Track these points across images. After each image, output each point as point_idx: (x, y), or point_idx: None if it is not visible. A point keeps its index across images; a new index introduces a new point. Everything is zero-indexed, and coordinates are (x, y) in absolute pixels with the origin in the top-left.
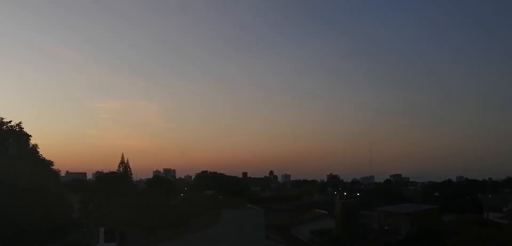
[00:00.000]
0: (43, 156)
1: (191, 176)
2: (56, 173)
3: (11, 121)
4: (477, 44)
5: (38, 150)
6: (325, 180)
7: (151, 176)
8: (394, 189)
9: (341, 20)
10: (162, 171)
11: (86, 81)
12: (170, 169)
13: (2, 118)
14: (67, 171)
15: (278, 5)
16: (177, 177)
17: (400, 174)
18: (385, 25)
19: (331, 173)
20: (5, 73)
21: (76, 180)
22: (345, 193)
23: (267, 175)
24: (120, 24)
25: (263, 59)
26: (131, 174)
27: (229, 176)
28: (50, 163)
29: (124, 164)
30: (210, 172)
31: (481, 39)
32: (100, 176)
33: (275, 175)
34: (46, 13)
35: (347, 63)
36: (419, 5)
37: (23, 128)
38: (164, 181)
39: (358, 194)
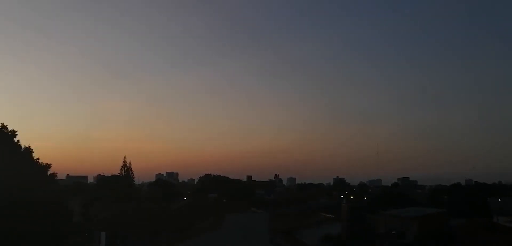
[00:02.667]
0: (38, 159)
1: (194, 179)
2: (52, 175)
3: None
4: (488, 45)
5: (31, 152)
6: (332, 183)
7: (153, 179)
8: (402, 192)
9: (343, 18)
10: (165, 174)
11: (89, 82)
12: (173, 172)
13: None
14: (67, 174)
15: (287, 4)
16: (180, 180)
17: (408, 177)
18: (387, 23)
19: (337, 176)
20: (6, 73)
21: (77, 183)
22: (351, 197)
23: (272, 178)
24: (125, 25)
25: (269, 61)
26: (134, 177)
27: (233, 179)
28: (46, 166)
29: (126, 167)
30: (213, 175)
31: (494, 40)
32: (102, 179)
33: (280, 178)
34: (51, 11)
35: (354, 64)
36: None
37: (7, 127)
38: (167, 184)
39: (365, 198)
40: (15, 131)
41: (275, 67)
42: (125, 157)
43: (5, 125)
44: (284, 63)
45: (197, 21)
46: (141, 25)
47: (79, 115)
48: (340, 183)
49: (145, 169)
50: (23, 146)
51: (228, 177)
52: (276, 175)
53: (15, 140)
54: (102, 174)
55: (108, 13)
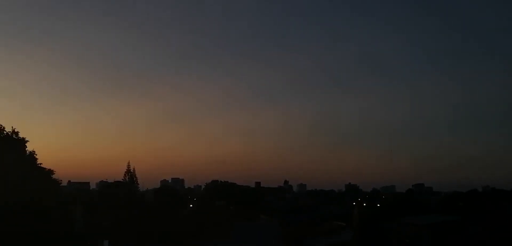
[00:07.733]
0: (42, 163)
1: (200, 186)
2: (56, 181)
3: (4, 128)
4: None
5: (36, 157)
6: (343, 189)
7: (158, 185)
8: (416, 199)
9: (345, 26)
10: (170, 180)
11: (92, 87)
12: (178, 178)
13: None
14: (69, 180)
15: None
16: (186, 187)
17: (423, 184)
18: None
19: (349, 183)
20: (9, 76)
21: (79, 190)
22: (364, 204)
23: (282, 184)
24: (129, 30)
25: (274, 63)
26: (138, 184)
27: (241, 185)
28: (50, 172)
29: (130, 173)
30: (221, 181)
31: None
32: (105, 186)
33: (290, 185)
34: (53, 13)
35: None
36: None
37: (18, 134)
38: (172, 191)
39: (378, 205)
40: (26, 139)
41: (283, 70)
42: (129, 162)
43: (15, 130)
44: (293, 68)
45: (204, 24)
46: (143, 30)
47: (82, 120)
48: (352, 189)
49: (149, 175)
50: (27, 151)
51: (235, 184)
52: (285, 181)
53: (21, 145)
54: (105, 180)
55: (112, 19)
